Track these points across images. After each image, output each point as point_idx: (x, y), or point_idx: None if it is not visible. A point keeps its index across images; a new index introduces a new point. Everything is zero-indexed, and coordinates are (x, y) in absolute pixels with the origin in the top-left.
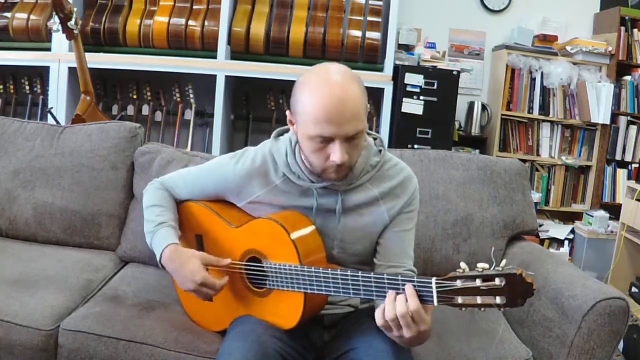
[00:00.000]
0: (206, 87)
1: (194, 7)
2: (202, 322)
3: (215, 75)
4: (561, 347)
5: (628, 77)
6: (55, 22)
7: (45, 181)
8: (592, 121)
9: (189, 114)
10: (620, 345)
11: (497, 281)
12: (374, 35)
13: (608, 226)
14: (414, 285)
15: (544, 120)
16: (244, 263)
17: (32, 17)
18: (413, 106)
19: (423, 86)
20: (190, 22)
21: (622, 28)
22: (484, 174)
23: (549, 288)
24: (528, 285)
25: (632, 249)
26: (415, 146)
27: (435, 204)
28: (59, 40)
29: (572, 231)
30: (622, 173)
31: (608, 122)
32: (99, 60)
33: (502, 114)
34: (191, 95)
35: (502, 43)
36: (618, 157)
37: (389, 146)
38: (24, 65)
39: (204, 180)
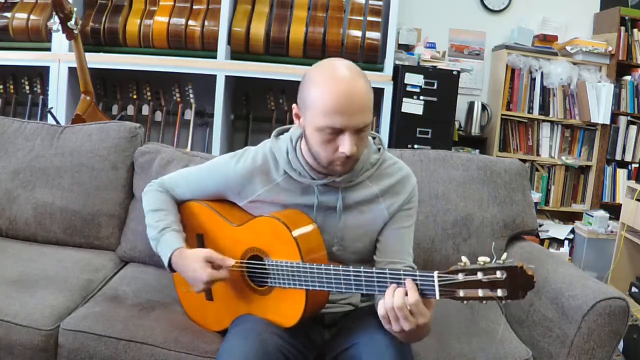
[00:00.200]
0: (206, 87)
1: (194, 7)
2: (202, 322)
3: (215, 75)
4: (561, 347)
5: (628, 77)
6: (55, 22)
7: (45, 181)
8: (592, 121)
9: (189, 114)
10: (620, 345)
11: (498, 274)
12: (374, 35)
13: (608, 226)
14: (416, 279)
15: (544, 120)
16: (245, 261)
17: (32, 17)
18: (413, 106)
19: (423, 86)
20: (190, 22)
21: (622, 28)
22: (484, 174)
23: (549, 288)
24: (529, 277)
25: (632, 249)
26: (415, 146)
27: (435, 204)
28: (59, 40)
29: (572, 231)
30: (622, 173)
31: (608, 122)
32: (99, 60)
33: (502, 114)
34: (191, 95)
35: (502, 43)
36: (618, 157)
37: (389, 146)
38: (24, 65)
39: (205, 179)
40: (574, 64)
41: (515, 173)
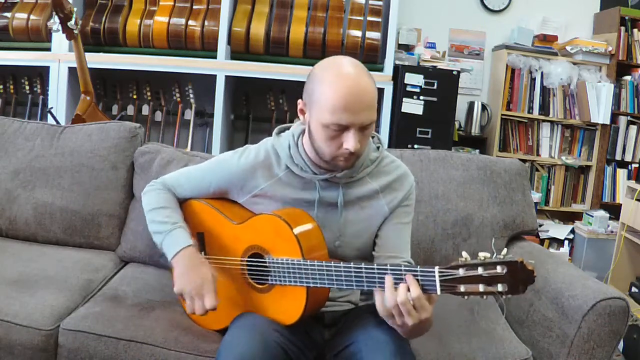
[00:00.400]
0: (206, 87)
1: (194, 7)
2: (202, 321)
3: (215, 75)
4: (561, 347)
5: (628, 77)
6: (55, 22)
7: (45, 181)
8: (592, 121)
9: (189, 114)
10: (620, 345)
11: (498, 269)
12: (374, 35)
13: (608, 226)
14: (417, 275)
15: (544, 120)
16: (246, 259)
17: (32, 17)
18: (413, 106)
19: (423, 86)
20: (190, 22)
21: (622, 28)
22: (484, 174)
23: (549, 288)
24: (529, 272)
25: (632, 249)
26: (415, 146)
27: (435, 204)
28: (59, 40)
29: (572, 231)
30: (622, 173)
31: (608, 122)
32: (99, 60)
33: (502, 114)
34: (191, 95)
35: (502, 43)
36: (618, 157)
37: (389, 146)
38: (24, 65)
39: (208, 177)
40: (574, 64)
41: (515, 173)
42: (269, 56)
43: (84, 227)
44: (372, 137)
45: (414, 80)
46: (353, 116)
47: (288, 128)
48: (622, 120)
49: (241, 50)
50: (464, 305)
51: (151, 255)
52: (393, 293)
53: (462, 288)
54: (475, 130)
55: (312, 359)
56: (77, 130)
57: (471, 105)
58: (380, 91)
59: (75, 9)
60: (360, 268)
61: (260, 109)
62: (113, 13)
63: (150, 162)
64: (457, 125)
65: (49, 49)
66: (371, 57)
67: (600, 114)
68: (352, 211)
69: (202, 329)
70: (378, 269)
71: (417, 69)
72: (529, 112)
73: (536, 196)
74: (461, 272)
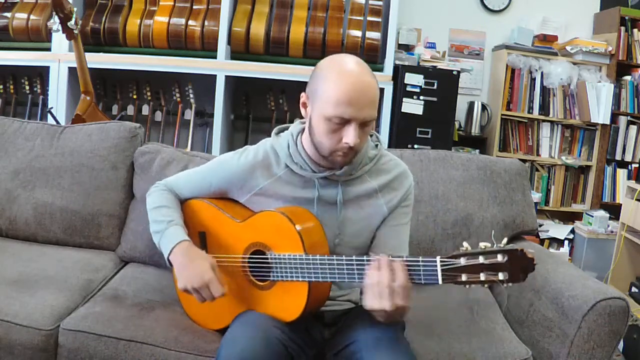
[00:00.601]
0: (206, 87)
1: (194, 7)
2: (202, 321)
3: (215, 75)
4: (561, 347)
5: (628, 77)
6: (55, 22)
7: (45, 181)
8: (592, 121)
9: (189, 114)
10: (620, 345)
11: (499, 257)
12: (374, 35)
13: (608, 226)
14: (419, 264)
15: (544, 120)
16: (247, 256)
17: (32, 17)
18: (413, 106)
19: (423, 86)
20: (190, 22)
21: (622, 28)
22: (484, 174)
23: (549, 288)
24: (529, 260)
25: (632, 249)
26: (415, 146)
27: (435, 204)
28: (59, 40)
29: (572, 231)
30: (622, 173)
31: (608, 122)
32: (99, 60)
33: (502, 114)
34: (191, 95)
35: (502, 43)
36: (618, 157)
37: (389, 146)
38: (24, 65)
39: (208, 177)
40: (574, 64)
41: (515, 173)
42: (269, 56)
43: (84, 227)
44: (371, 136)
45: (414, 80)
46: (356, 110)
47: (287, 128)
48: (622, 120)
49: (241, 50)
50: (464, 305)
51: (151, 255)
52: (378, 273)
53: (463, 277)
54: (475, 130)
55: (312, 357)
56: (77, 130)
57: (471, 105)
58: (381, 91)
59: (75, 9)
60: (362, 261)
61: (260, 109)
62: (113, 13)
63: (150, 162)
64: (457, 125)
65: (49, 49)
66: (371, 57)
67: (600, 114)
68: (351, 210)
69: (202, 329)
70: None
71: (417, 69)
72: (529, 112)
73: (536, 196)
74: (462, 261)
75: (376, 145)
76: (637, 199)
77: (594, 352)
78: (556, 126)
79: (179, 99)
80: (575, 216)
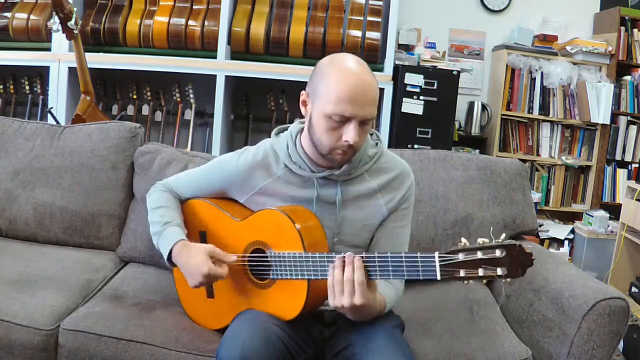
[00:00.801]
0: (206, 87)
1: (194, 7)
2: (202, 320)
3: (215, 75)
4: (561, 347)
5: (628, 77)
6: (55, 22)
7: (45, 181)
8: (592, 121)
9: (189, 114)
10: (620, 345)
11: (497, 252)
12: (374, 35)
13: (608, 226)
14: (417, 260)
15: (544, 120)
16: (247, 255)
17: (32, 17)
18: (413, 106)
19: (423, 86)
20: (190, 22)
21: (622, 28)
22: (484, 174)
23: (549, 288)
24: (527, 255)
25: (632, 249)
26: (415, 146)
27: (435, 204)
28: (59, 40)
29: (572, 231)
30: (622, 173)
31: (608, 122)
32: (99, 60)
33: (502, 114)
34: (191, 95)
35: (502, 43)
36: (618, 157)
37: (389, 146)
38: (24, 65)
39: (208, 177)
40: (574, 64)
41: (515, 173)
42: (269, 56)
43: (84, 227)
44: (371, 134)
45: (414, 80)
46: (356, 108)
47: (286, 129)
48: (622, 120)
49: (241, 50)
50: (464, 305)
51: (151, 255)
52: (335, 272)
53: (462, 273)
54: (475, 130)
55: (311, 356)
56: (77, 130)
57: (471, 105)
58: (380, 91)
59: (75, 9)
60: (361, 258)
61: (260, 109)
62: (113, 13)
63: (150, 162)
64: (457, 125)
65: (49, 49)
66: (371, 57)
67: (600, 114)
68: (350, 209)
69: (202, 328)
70: (379, 258)
71: (417, 69)
72: (529, 112)
73: (536, 196)
74: (461, 256)
75: (376, 144)
76: (637, 199)
77: (594, 352)
78: (556, 126)
79: (179, 99)
80: (575, 216)
